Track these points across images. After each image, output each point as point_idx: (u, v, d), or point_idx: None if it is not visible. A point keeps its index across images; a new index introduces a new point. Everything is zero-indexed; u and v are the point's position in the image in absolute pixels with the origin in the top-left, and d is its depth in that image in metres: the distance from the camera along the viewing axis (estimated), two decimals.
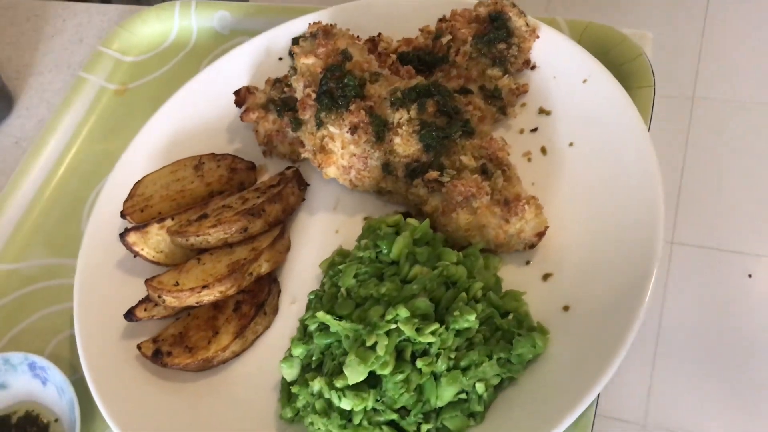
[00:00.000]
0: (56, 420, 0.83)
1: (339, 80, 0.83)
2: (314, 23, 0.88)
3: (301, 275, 0.85)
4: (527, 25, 0.89)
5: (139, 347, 0.80)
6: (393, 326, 0.68)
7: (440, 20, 0.94)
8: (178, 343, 0.80)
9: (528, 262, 0.79)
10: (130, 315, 0.82)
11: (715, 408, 2.06)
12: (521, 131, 0.88)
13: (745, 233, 2.18)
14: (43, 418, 0.84)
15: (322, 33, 0.87)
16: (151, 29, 1.16)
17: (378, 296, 0.71)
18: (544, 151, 0.85)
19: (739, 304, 2.13)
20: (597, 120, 0.83)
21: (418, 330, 0.68)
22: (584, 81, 0.85)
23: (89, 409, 0.80)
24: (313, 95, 0.83)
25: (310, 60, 0.85)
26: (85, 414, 0.80)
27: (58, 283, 0.95)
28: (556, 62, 0.89)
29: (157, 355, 0.79)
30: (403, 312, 0.68)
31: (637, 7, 2.64)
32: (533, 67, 0.90)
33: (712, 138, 2.32)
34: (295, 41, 0.98)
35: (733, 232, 2.20)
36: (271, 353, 0.79)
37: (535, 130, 0.87)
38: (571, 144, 0.84)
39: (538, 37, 0.90)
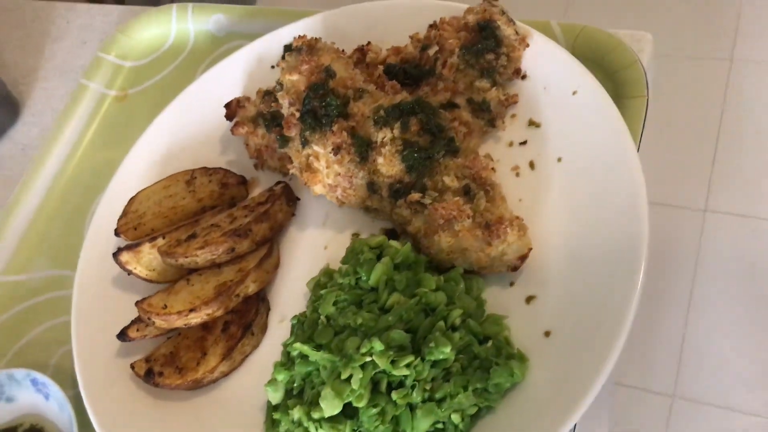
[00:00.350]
0: None
1: (322, 99, 0.82)
2: (299, 37, 0.87)
3: (291, 292, 0.86)
4: (517, 33, 0.87)
5: (132, 367, 0.83)
6: (368, 359, 0.68)
7: (431, 26, 0.92)
8: (169, 363, 0.82)
9: (512, 284, 0.78)
10: (123, 336, 0.84)
11: (744, 381, 2.04)
12: (510, 144, 0.86)
13: None
14: (47, 430, 0.88)
15: (306, 49, 0.86)
16: (149, 33, 1.16)
17: (355, 326, 0.72)
18: (532, 165, 0.84)
19: None
20: (585, 135, 0.81)
21: (393, 362, 0.68)
22: (574, 93, 0.83)
23: (88, 422, 0.83)
24: (297, 114, 0.83)
25: (294, 77, 0.85)
26: (83, 428, 0.83)
27: (63, 294, 0.98)
28: (547, 72, 0.86)
29: (149, 375, 0.81)
30: (377, 345, 0.68)
31: None
32: (524, 77, 0.88)
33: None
34: (287, 49, 0.97)
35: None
36: (259, 373, 0.81)
37: (524, 143, 0.86)
38: (559, 159, 0.82)
39: (528, 45, 0.87)
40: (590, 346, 0.69)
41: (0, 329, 0.98)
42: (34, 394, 0.88)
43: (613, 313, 0.69)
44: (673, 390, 2.31)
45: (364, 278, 0.75)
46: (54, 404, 0.86)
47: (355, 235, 0.87)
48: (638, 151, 0.81)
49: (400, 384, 0.69)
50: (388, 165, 0.80)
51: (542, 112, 0.86)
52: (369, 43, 0.94)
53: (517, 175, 0.84)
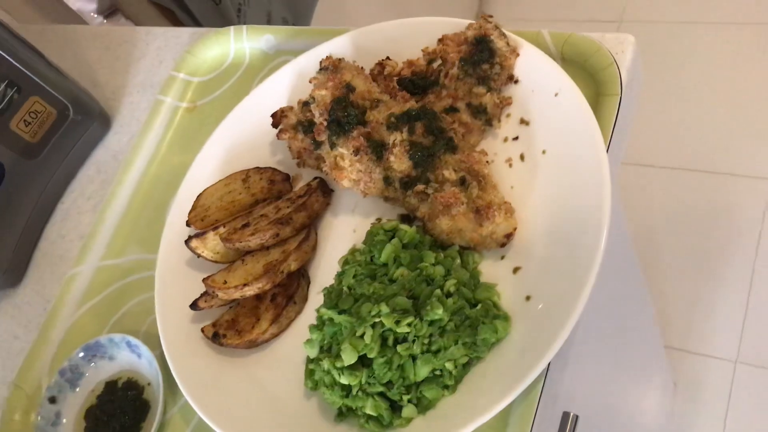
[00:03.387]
0: (149, 384, 1.09)
1: (344, 110, 1.00)
2: (327, 58, 1.05)
3: (327, 269, 1.05)
4: (508, 45, 1.02)
5: (202, 330, 1.04)
6: (377, 320, 0.86)
7: (439, 40, 1.08)
8: (230, 327, 1.02)
9: (503, 257, 0.94)
10: (194, 306, 1.05)
11: None
12: (505, 140, 1.02)
13: None
14: (140, 382, 1.10)
15: (332, 68, 1.04)
16: (213, 52, 1.37)
17: (368, 294, 0.90)
18: (522, 158, 0.99)
19: None
20: (564, 131, 0.95)
21: (397, 322, 0.86)
22: (556, 94, 0.98)
23: (171, 377, 1.04)
24: (325, 123, 1.01)
25: (322, 92, 1.03)
26: (167, 381, 1.04)
27: (149, 274, 1.20)
28: (534, 77, 1.01)
29: (215, 337, 1.02)
30: (384, 308, 0.86)
31: None
32: (516, 81, 1.03)
33: None
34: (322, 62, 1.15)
35: None
36: (302, 335, 1.00)
37: (516, 138, 1.01)
38: (544, 152, 0.97)
39: (518, 54, 1.02)
40: (559, 306, 0.85)
41: (102, 303, 1.21)
42: (130, 354, 1.11)
43: (576, 283, 0.84)
44: (736, 356, 2.37)
45: (376, 256, 0.93)
46: (144, 362, 1.09)
47: (378, 220, 1.04)
48: (611, 137, 0.95)
49: (404, 339, 0.87)
50: (399, 162, 0.97)
51: (531, 112, 1.01)
52: (388, 57, 1.11)
53: (510, 166, 1.00)
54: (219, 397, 0.99)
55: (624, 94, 0.98)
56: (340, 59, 1.04)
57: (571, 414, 1.09)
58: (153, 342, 1.09)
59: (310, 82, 1.13)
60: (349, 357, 0.86)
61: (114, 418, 1.07)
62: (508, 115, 1.03)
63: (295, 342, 1.01)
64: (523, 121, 1.01)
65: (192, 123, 1.33)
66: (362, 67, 1.06)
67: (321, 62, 1.06)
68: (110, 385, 1.11)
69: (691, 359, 2.40)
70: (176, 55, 1.46)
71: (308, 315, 1.03)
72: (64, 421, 1.10)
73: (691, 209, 2.55)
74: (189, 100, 1.35)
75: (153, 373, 1.07)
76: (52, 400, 1.10)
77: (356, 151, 0.98)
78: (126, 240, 1.26)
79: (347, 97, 1.01)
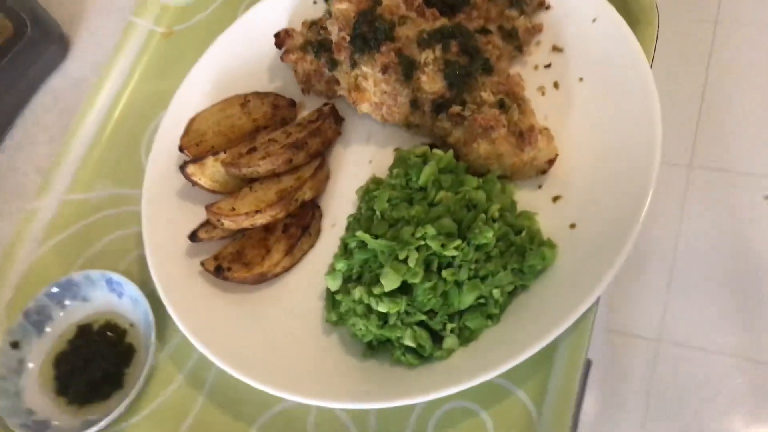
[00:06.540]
0: (131, 325, 0.97)
1: (371, 24, 0.92)
2: None
3: (340, 201, 0.97)
4: None
5: (202, 264, 0.93)
6: (422, 242, 0.79)
7: None
8: (236, 260, 0.92)
9: (540, 186, 0.89)
10: (193, 236, 0.94)
11: (728, 325, 2.15)
12: (536, 67, 0.97)
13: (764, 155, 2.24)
14: (120, 324, 0.98)
15: None
16: None
17: (408, 218, 0.83)
18: (556, 85, 0.94)
19: (756, 225, 2.19)
20: (604, 58, 0.91)
21: (443, 246, 0.79)
22: (594, 20, 0.93)
23: (160, 317, 0.93)
24: (347, 38, 0.93)
25: (343, 5, 0.94)
26: (157, 320, 0.93)
27: (124, 210, 1.08)
28: (568, 2, 0.97)
29: (218, 270, 0.91)
30: (430, 230, 0.79)
31: None
32: (548, 7, 0.98)
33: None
34: None
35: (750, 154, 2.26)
36: (316, 268, 0.92)
37: (548, 66, 0.96)
38: (581, 79, 0.93)
39: None
40: (611, 234, 0.80)
41: (68, 241, 1.07)
42: (108, 293, 0.98)
43: (630, 205, 0.80)
44: (659, 335, 2.41)
45: (413, 179, 0.86)
46: (127, 301, 0.97)
47: (397, 150, 0.97)
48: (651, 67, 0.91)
49: (449, 264, 0.80)
50: (431, 82, 0.90)
51: (564, 38, 0.96)
52: None
53: (543, 94, 0.95)
54: (226, 338, 0.88)
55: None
56: None
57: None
58: (135, 282, 0.97)
59: (316, 2, 1.05)
60: (390, 282, 0.78)
61: (92, 364, 0.94)
62: (538, 43, 0.98)
63: (308, 276, 0.92)
64: (556, 48, 0.96)
65: (170, 50, 1.21)
66: None
67: None
68: (84, 329, 0.98)
69: (615, 337, 2.43)
70: None
71: (321, 248, 0.94)
72: (30, 366, 0.96)
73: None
74: (166, 24, 1.23)
75: (139, 314, 0.95)
76: (15, 345, 0.96)
77: (384, 69, 0.90)
78: (95, 173, 1.13)
79: (374, 10, 0.92)
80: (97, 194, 1.11)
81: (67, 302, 0.99)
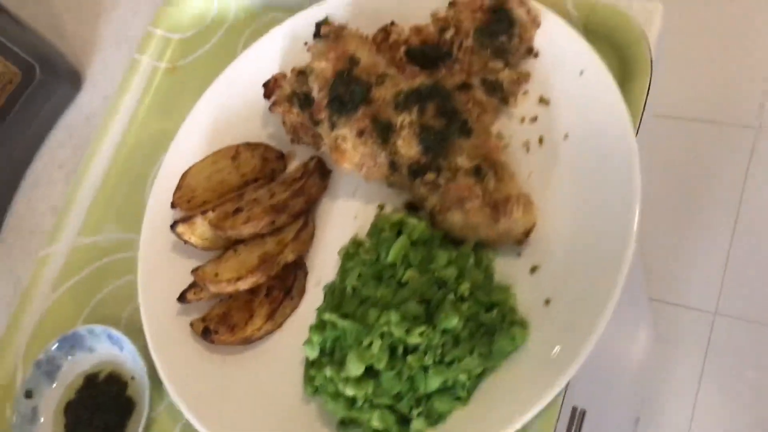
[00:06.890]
0: (132, 378, 1.02)
1: (347, 86, 0.90)
2: (326, 24, 0.94)
3: (326, 257, 0.96)
4: (528, 13, 0.91)
5: (191, 325, 0.96)
6: (386, 329, 0.79)
7: (451, 3, 0.97)
8: (223, 321, 0.94)
9: (519, 254, 0.86)
10: (182, 298, 0.97)
11: None
12: (522, 120, 0.93)
13: None
14: (123, 377, 1.02)
15: (333, 36, 0.93)
16: (195, 5, 1.24)
17: (375, 299, 0.82)
18: (541, 141, 0.90)
19: None
20: (589, 114, 0.86)
21: (407, 332, 0.79)
22: (581, 72, 0.88)
23: (157, 373, 0.96)
24: (326, 100, 0.91)
25: (322, 64, 0.92)
26: (153, 376, 0.97)
27: (129, 255, 1.11)
28: (556, 51, 0.91)
29: (206, 333, 0.94)
30: (394, 317, 0.79)
31: None
32: (536, 55, 0.93)
33: None
34: (319, 26, 1.04)
35: None
36: (299, 332, 0.92)
37: (534, 119, 0.92)
38: (566, 136, 0.88)
39: (539, 25, 0.92)
40: (584, 312, 0.78)
41: (79, 285, 1.12)
42: (111, 346, 1.03)
43: (605, 280, 0.77)
44: (715, 308, 2.35)
45: (383, 256, 0.85)
46: (127, 355, 1.01)
47: (380, 207, 0.96)
48: (639, 124, 0.86)
49: (415, 349, 0.80)
50: (407, 147, 0.88)
51: (552, 90, 0.91)
52: (393, 23, 0.99)
53: (528, 150, 0.91)
54: (209, 399, 0.91)
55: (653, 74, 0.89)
56: (342, 26, 0.93)
57: (579, 408, 1.04)
58: (136, 332, 1.00)
59: (306, 47, 1.02)
60: (355, 369, 0.79)
61: (96, 415, 1.00)
62: (525, 93, 0.93)
63: (293, 339, 0.93)
64: (543, 100, 0.92)
65: (173, 86, 1.22)
66: (367, 36, 0.95)
67: (320, 27, 0.95)
68: (90, 379, 1.03)
69: (671, 309, 2.38)
70: (152, 4, 1.33)
71: (306, 308, 0.95)
72: (42, 419, 1.02)
73: (673, 158, 2.48)
74: (169, 59, 1.23)
75: (137, 369, 0.99)
76: (29, 394, 1.03)
77: (360, 134, 0.89)
78: (102, 216, 1.16)
79: (350, 71, 0.90)
80: (105, 237, 1.14)
81: (74, 353, 1.04)
